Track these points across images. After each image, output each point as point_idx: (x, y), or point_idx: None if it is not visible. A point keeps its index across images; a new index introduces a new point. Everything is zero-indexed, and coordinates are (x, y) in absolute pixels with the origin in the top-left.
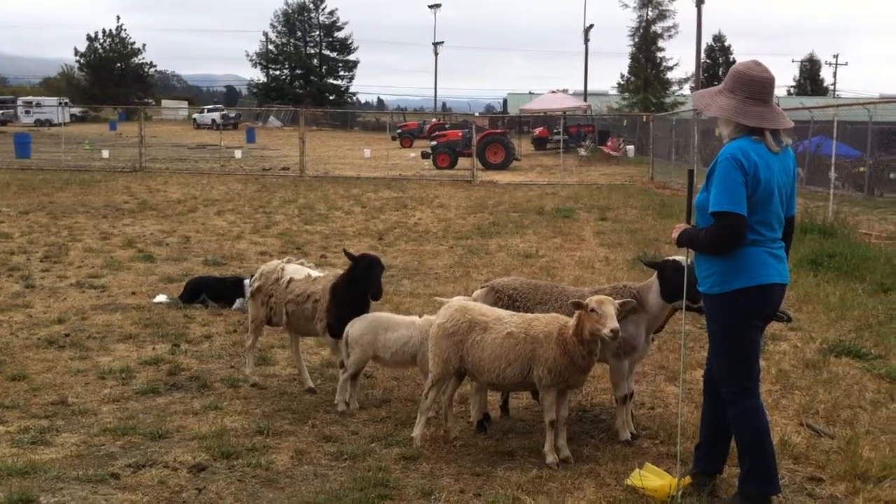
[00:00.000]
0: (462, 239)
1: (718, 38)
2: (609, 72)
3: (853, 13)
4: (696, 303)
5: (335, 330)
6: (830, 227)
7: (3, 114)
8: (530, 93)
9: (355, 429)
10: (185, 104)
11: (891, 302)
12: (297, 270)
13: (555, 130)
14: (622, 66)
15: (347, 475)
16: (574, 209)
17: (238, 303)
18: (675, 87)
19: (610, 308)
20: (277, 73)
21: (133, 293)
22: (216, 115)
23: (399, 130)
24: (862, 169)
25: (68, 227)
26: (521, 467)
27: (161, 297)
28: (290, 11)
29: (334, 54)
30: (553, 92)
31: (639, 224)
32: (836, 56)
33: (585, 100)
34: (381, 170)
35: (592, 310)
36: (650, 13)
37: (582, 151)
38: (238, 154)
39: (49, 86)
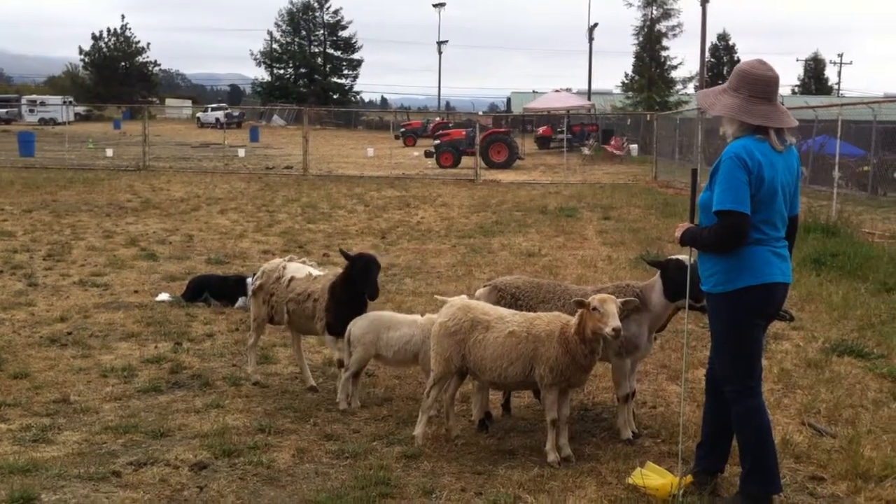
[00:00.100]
0: (465, 238)
1: (723, 37)
2: (613, 70)
3: (858, 12)
4: (699, 302)
5: (334, 328)
6: (834, 227)
7: (7, 112)
8: (534, 92)
9: (357, 427)
10: (188, 103)
11: (893, 301)
12: (298, 269)
13: (558, 129)
14: (626, 64)
15: (349, 473)
16: (577, 208)
17: (240, 301)
18: (679, 86)
19: (612, 307)
20: (281, 71)
21: (136, 291)
22: (220, 114)
23: (402, 129)
24: (866, 168)
25: (71, 225)
26: (522, 466)
27: (163, 296)
28: (295, 10)
29: (338, 53)
30: (557, 91)
31: (642, 223)
32: (840, 55)
33: (589, 99)
34: (384, 169)
35: (595, 308)
36: (654, 12)
37: (585, 150)
38: (241, 153)
39: (53, 84)
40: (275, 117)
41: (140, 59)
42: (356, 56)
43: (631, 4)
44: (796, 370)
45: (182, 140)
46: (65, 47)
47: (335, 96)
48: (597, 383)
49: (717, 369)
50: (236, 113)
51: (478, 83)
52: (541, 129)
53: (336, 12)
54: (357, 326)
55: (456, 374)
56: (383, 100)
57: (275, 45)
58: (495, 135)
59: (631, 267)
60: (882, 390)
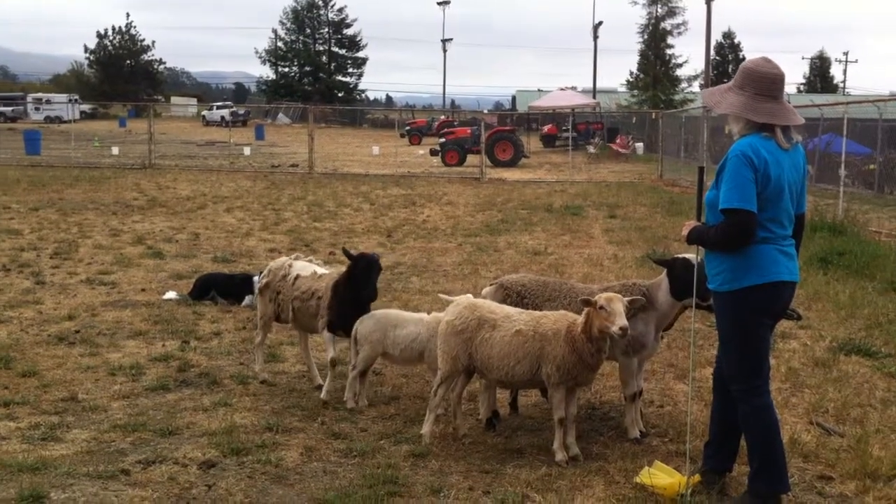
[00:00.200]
0: (471, 236)
1: (728, 35)
2: (618, 69)
3: (863, 10)
4: (706, 301)
5: (334, 326)
6: (840, 225)
7: (13, 111)
8: (539, 90)
9: (364, 426)
10: (194, 101)
11: None
12: (304, 267)
13: (564, 128)
14: (631, 63)
15: (356, 472)
16: (583, 206)
17: (247, 299)
18: (684, 84)
19: (619, 305)
20: (286, 70)
21: (143, 290)
22: (225, 112)
23: (408, 127)
24: (872, 166)
25: (78, 223)
26: (530, 465)
27: (171, 294)
28: (300, 8)
29: (343, 51)
30: (562, 89)
31: (648, 221)
32: (846, 53)
33: (594, 97)
34: (389, 167)
35: (601, 307)
36: (659, 10)
37: (591, 149)
38: (247, 151)
39: (59, 83)
40: (280, 115)
41: (145, 57)
42: (361, 54)
43: (636, 2)
44: (804, 369)
45: (188, 138)
46: (70, 45)
47: (340, 94)
48: (604, 382)
49: (724, 368)
50: (242, 111)
51: (483, 81)
52: (546, 128)
53: (341, 10)
54: (364, 325)
55: (463, 373)
56: (388, 98)
57: (280, 44)
58: (501, 133)
59: (637, 265)
60: (890, 389)
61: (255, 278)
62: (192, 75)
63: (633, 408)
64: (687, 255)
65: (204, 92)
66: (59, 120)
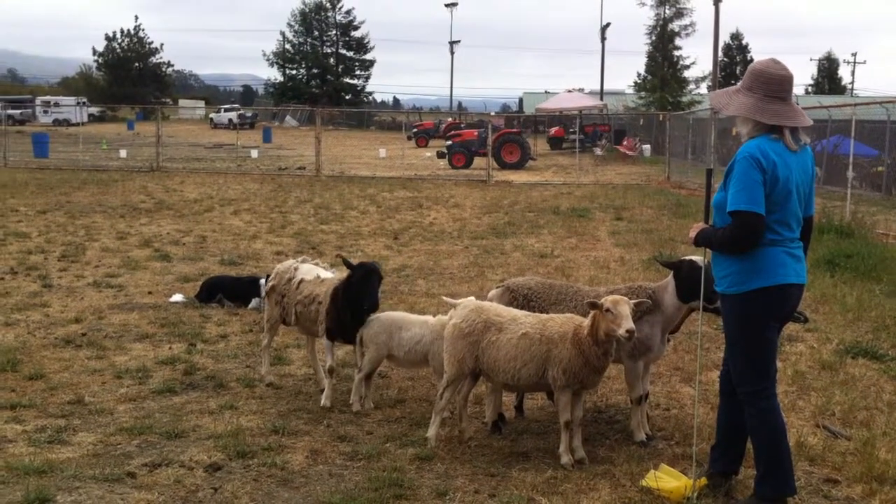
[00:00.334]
0: (477, 239)
1: (736, 37)
2: (626, 70)
3: (871, 11)
4: (713, 303)
5: (332, 333)
6: (848, 228)
7: (21, 113)
8: (546, 92)
9: (370, 429)
10: (202, 104)
11: None
12: (309, 271)
13: (571, 130)
14: (639, 64)
15: (362, 475)
16: (589, 209)
17: (254, 302)
18: (691, 86)
19: (625, 308)
20: (294, 72)
21: (150, 293)
22: (233, 115)
23: (415, 130)
24: (880, 168)
25: (86, 226)
26: (535, 468)
27: (177, 297)
28: (307, 11)
29: (351, 53)
30: (569, 91)
31: (655, 224)
32: (854, 54)
33: (602, 99)
34: (396, 169)
35: (608, 310)
36: (667, 11)
37: (598, 151)
38: (254, 154)
39: (67, 85)
40: (287, 118)
41: (153, 59)
42: (368, 56)
43: (643, 4)
44: (810, 372)
45: (195, 141)
46: (78, 48)
47: (347, 97)
48: (610, 385)
49: (731, 371)
50: (249, 114)
51: (490, 83)
52: (553, 130)
53: (348, 12)
54: (369, 327)
55: (469, 376)
56: (395, 100)
57: (287, 46)
58: (507, 135)
59: (644, 268)
60: None
61: (262, 281)
62: (200, 78)
63: (640, 411)
64: (693, 258)
65: (212, 94)
66: (67, 123)
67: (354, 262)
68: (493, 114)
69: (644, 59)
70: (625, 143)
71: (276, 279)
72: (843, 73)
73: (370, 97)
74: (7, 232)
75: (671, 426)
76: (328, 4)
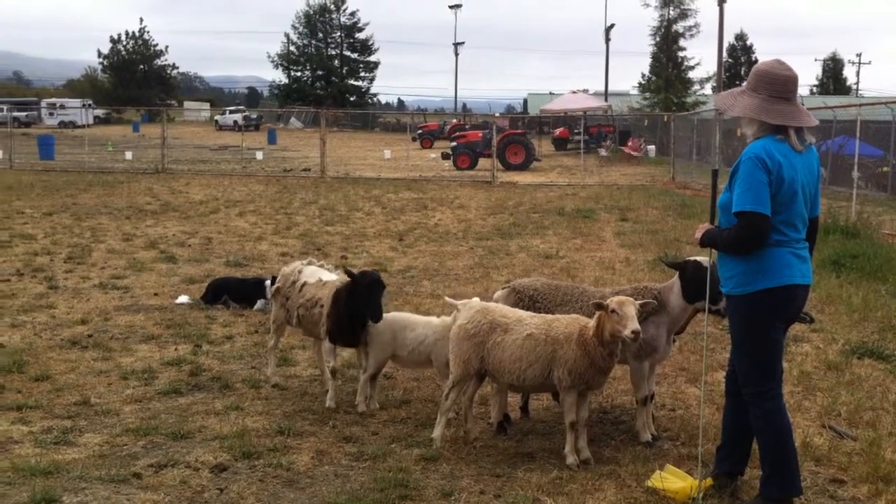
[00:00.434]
0: (482, 240)
1: (740, 37)
2: (630, 71)
3: (876, 11)
4: (718, 304)
5: (333, 336)
6: (853, 228)
7: (26, 116)
8: (550, 93)
9: (375, 429)
10: (207, 106)
11: None
12: (312, 273)
13: (575, 131)
14: (643, 65)
15: (368, 475)
16: (594, 210)
17: (259, 304)
18: (696, 87)
19: (630, 309)
20: (299, 74)
21: (155, 294)
22: (238, 117)
23: (419, 131)
24: (885, 169)
25: (91, 228)
26: (541, 468)
27: (183, 298)
28: (312, 13)
29: (355, 55)
30: (573, 92)
31: (660, 224)
32: (859, 55)
33: (606, 100)
34: (401, 171)
35: (613, 311)
36: (672, 12)
37: (602, 152)
38: (259, 155)
39: (72, 88)
40: (292, 120)
41: (158, 61)
42: (373, 58)
43: (648, 5)
44: (816, 372)
45: (200, 143)
46: (84, 50)
47: (352, 98)
48: (615, 386)
49: (736, 371)
50: (254, 115)
51: (494, 85)
52: (558, 131)
53: (353, 14)
54: (374, 327)
55: (475, 377)
56: (400, 102)
57: (292, 48)
58: (512, 136)
59: (649, 269)
60: None
61: (267, 282)
62: (205, 80)
63: (645, 411)
64: (699, 258)
65: (217, 96)
66: (72, 125)
67: (356, 271)
68: (497, 115)
69: (648, 60)
70: (629, 143)
71: (282, 281)
72: (849, 73)
73: (375, 99)
74: (13, 234)
75: (677, 427)
76: (332, 6)
